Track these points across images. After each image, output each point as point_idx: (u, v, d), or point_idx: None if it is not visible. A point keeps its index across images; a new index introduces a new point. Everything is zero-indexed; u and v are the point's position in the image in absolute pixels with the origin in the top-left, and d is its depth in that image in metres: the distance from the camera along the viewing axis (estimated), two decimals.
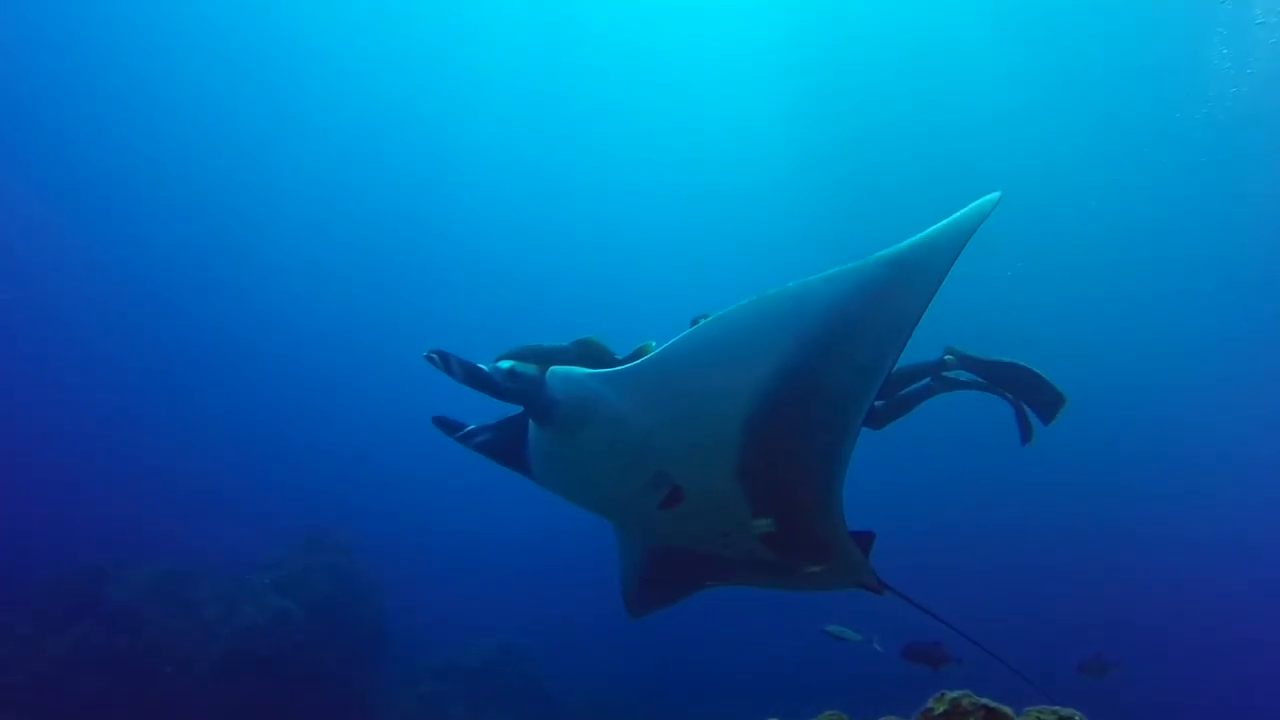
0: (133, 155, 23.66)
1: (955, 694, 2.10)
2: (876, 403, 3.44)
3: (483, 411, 3.12)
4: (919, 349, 3.45)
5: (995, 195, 2.12)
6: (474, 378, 2.74)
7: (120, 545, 10.37)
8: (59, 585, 9.24)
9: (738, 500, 2.67)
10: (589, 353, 2.81)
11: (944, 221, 2.13)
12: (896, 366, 3.35)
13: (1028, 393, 3.45)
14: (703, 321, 2.42)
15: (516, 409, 2.92)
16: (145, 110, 23.41)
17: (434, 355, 2.70)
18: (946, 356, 3.51)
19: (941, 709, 2.08)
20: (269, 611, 9.17)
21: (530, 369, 2.76)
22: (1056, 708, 2.21)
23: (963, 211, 2.13)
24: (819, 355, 2.26)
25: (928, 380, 3.53)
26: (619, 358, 2.77)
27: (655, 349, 2.55)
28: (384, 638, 10.57)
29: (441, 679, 10.78)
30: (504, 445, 3.01)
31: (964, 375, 3.52)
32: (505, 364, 2.78)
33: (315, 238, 26.25)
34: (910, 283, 2.15)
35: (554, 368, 2.76)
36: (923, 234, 2.13)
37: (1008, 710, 2.11)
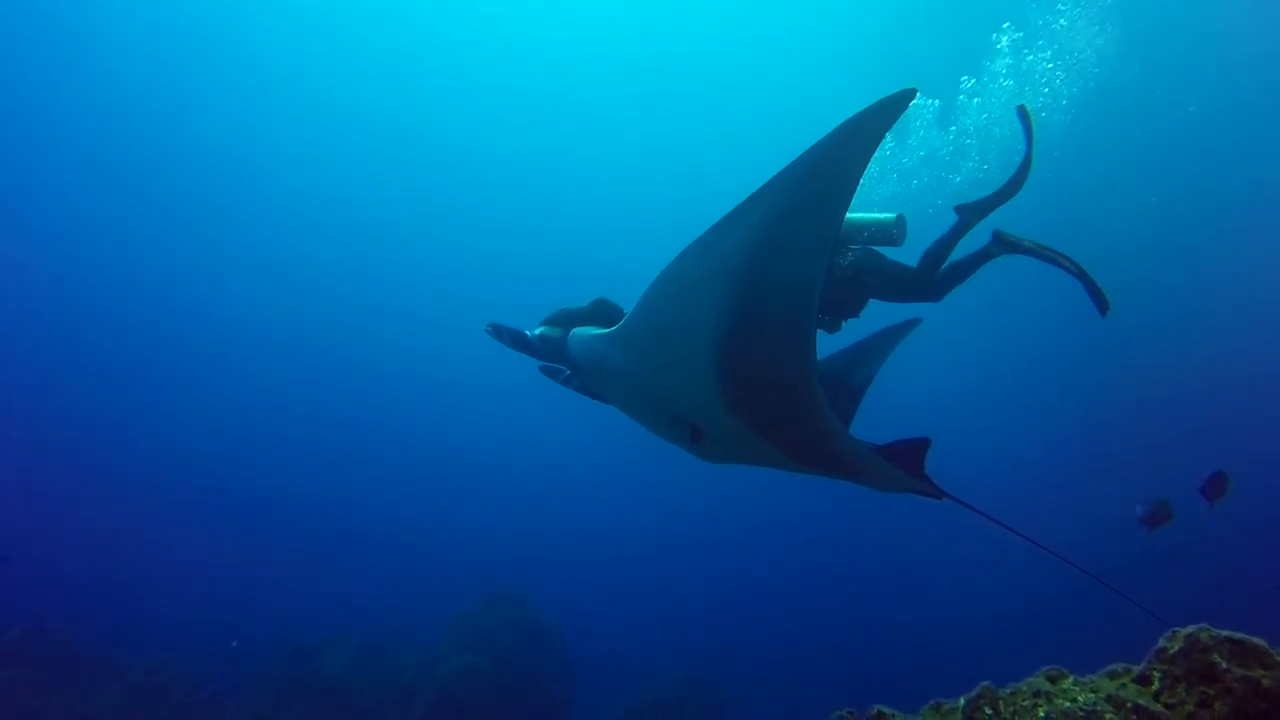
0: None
1: (1189, 630, 1.87)
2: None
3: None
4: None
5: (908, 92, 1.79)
6: (519, 343, 3.17)
7: (319, 620, 11.44)
8: (280, 662, 10.32)
9: (743, 431, 2.62)
10: (601, 311, 3.04)
11: (845, 123, 1.80)
12: (935, 251, 3.21)
13: (1080, 276, 3.13)
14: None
15: None
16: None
17: (490, 328, 3.17)
18: (992, 247, 3.19)
19: (1176, 647, 1.86)
20: (460, 668, 9.80)
21: (555, 332, 3.07)
22: None
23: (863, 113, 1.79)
24: (750, 286, 2.16)
25: (986, 247, 3.19)
26: (625, 313, 2.82)
27: None
28: (571, 681, 10.83)
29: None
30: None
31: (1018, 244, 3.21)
32: (538, 330, 3.12)
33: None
34: (817, 197, 1.94)
35: (574, 330, 2.98)
36: (820, 142, 1.85)
37: (1259, 642, 1.85)
